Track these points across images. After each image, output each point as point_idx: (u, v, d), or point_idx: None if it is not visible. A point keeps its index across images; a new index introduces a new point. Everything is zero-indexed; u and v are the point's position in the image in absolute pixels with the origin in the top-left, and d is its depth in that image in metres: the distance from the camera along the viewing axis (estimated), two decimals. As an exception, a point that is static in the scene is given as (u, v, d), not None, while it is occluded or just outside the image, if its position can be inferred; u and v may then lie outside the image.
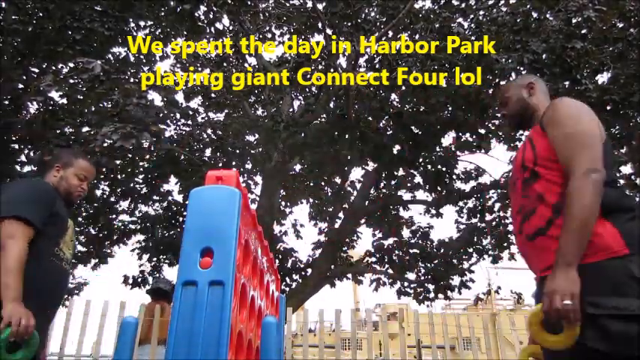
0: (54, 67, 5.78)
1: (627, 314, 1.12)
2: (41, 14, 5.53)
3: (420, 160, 6.90)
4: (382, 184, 8.62)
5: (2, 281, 1.51)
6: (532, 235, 1.38)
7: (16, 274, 1.54)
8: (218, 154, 7.13)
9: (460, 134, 6.76)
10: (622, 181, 6.54)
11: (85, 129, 5.56)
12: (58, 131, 5.45)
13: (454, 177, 7.67)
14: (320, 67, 6.46)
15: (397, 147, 6.31)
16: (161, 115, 5.13)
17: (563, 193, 1.31)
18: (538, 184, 1.39)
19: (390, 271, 8.22)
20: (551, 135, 1.39)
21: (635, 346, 1.10)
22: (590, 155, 1.27)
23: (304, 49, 5.83)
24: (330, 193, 8.67)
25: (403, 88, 5.65)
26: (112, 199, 7.72)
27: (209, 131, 7.15)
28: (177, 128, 7.35)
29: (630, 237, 1.22)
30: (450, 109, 5.97)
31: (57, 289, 1.81)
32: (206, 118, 8.57)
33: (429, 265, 8.11)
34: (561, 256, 1.20)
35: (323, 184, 8.71)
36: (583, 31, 4.85)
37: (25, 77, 5.58)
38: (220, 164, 7.01)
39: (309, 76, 6.36)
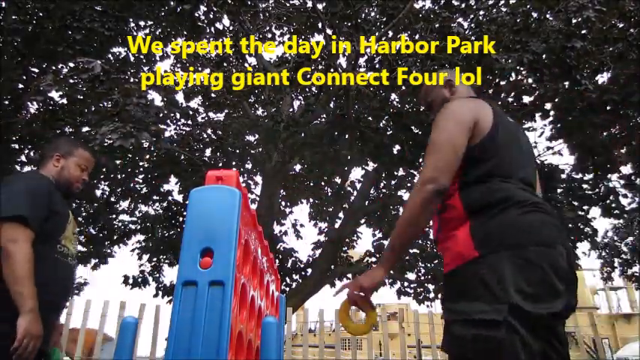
0: (54, 67, 5.78)
1: (467, 319, 1.12)
2: (41, 14, 5.53)
3: (420, 160, 6.90)
4: (382, 184, 8.62)
5: (15, 290, 1.47)
6: (436, 245, 1.46)
7: (28, 281, 1.49)
8: (218, 154, 7.13)
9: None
10: (622, 181, 6.55)
11: (85, 129, 5.56)
12: (58, 131, 5.45)
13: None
14: (320, 67, 6.46)
15: (397, 147, 6.31)
16: (161, 115, 5.13)
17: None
18: None
19: (390, 271, 8.21)
20: None
21: (469, 350, 1.10)
22: (433, 164, 1.25)
23: (304, 49, 5.83)
24: (330, 193, 8.67)
25: (403, 88, 5.66)
26: (112, 199, 7.72)
27: (209, 131, 7.15)
28: (177, 128, 7.36)
29: (482, 238, 1.19)
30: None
31: (65, 285, 1.77)
32: (206, 118, 8.57)
33: (429, 265, 8.11)
34: (380, 257, 1.29)
35: (323, 184, 8.71)
36: (583, 32, 4.85)
37: (25, 77, 5.58)
38: (220, 164, 7.01)
39: (309, 76, 6.36)
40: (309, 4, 6.54)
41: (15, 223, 1.54)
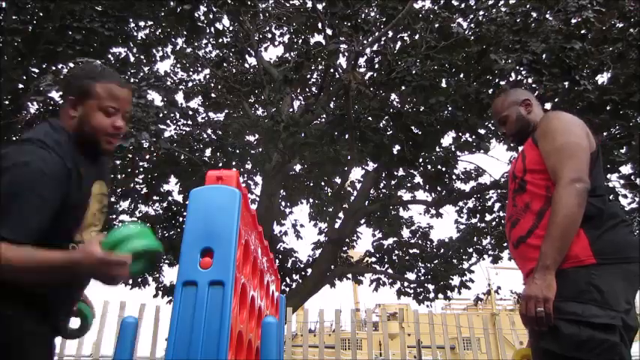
0: (54, 67, 5.78)
1: (581, 320, 1.18)
2: (41, 14, 5.53)
3: (420, 160, 6.90)
4: (382, 184, 8.62)
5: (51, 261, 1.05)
6: (516, 243, 1.45)
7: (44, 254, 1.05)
8: (218, 154, 7.12)
9: (460, 134, 6.76)
10: (622, 181, 6.55)
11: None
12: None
13: (454, 177, 7.67)
14: (320, 67, 6.46)
15: (397, 147, 6.31)
16: (161, 115, 5.13)
17: (547, 202, 1.37)
18: (526, 194, 1.45)
19: (390, 271, 8.22)
20: (541, 147, 1.44)
21: (583, 350, 1.17)
22: (576, 165, 1.32)
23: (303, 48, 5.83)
24: (330, 193, 8.67)
25: (403, 88, 5.66)
26: (112, 199, 7.72)
27: (209, 131, 7.15)
28: (177, 128, 7.36)
29: (601, 247, 1.27)
30: (449, 109, 5.98)
31: (77, 286, 1.34)
32: (206, 118, 8.57)
33: (429, 265, 8.11)
34: (541, 260, 1.26)
35: (323, 184, 8.71)
36: (582, 32, 4.85)
37: (25, 77, 5.58)
38: (220, 164, 7.00)
39: (309, 75, 6.36)
40: (309, 4, 6.54)
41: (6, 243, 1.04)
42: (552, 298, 1.21)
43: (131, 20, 6.50)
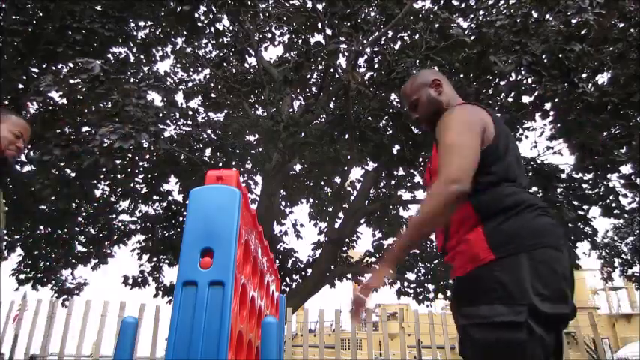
0: (54, 67, 5.78)
1: (487, 322, 1.12)
2: (41, 14, 5.53)
3: (420, 160, 6.90)
4: (382, 184, 8.62)
5: None
6: (443, 254, 1.43)
7: None
8: (218, 154, 7.13)
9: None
10: (622, 181, 6.55)
11: (85, 129, 5.56)
12: (58, 131, 5.45)
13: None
14: (320, 67, 6.46)
15: (397, 147, 6.31)
16: (160, 115, 5.13)
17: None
18: None
19: (392, 269, 8.21)
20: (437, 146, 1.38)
21: (492, 353, 1.11)
22: (458, 165, 1.23)
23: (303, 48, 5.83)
24: (330, 193, 8.67)
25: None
26: (112, 199, 7.72)
27: (209, 131, 7.15)
28: (177, 128, 7.36)
29: (499, 240, 1.19)
30: (449, 109, 5.97)
31: None
32: (206, 118, 8.57)
33: (429, 264, 8.11)
34: (385, 256, 1.27)
35: (323, 184, 8.71)
36: (582, 32, 4.85)
37: (25, 77, 5.58)
38: (220, 164, 7.00)
39: (309, 75, 6.36)
40: (309, 4, 6.54)
41: None
42: (369, 285, 1.29)
43: (131, 20, 6.51)
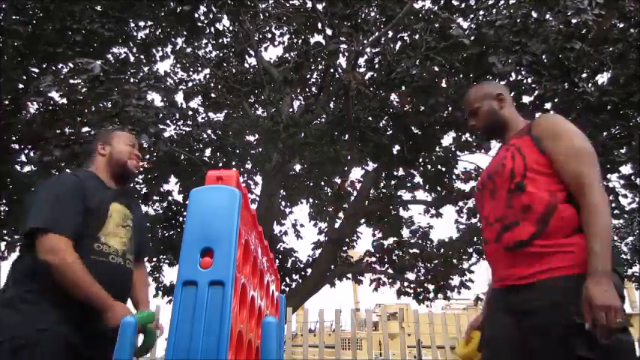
0: (54, 68, 5.78)
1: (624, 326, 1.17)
2: (41, 15, 5.53)
3: (420, 160, 6.90)
4: (382, 184, 8.62)
5: (81, 294, 1.44)
6: (513, 247, 1.39)
7: (86, 283, 1.45)
8: (218, 154, 7.13)
9: (460, 134, 6.76)
10: (622, 181, 6.55)
11: (85, 129, 5.56)
12: (58, 131, 5.45)
13: (454, 177, 7.67)
14: (320, 67, 6.46)
15: (397, 147, 6.31)
16: (160, 115, 5.13)
17: (550, 207, 1.34)
18: (525, 196, 1.39)
19: (390, 271, 8.22)
20: (550, 147, 1.40)
21: (619, 356, 1.17)
22: (598, 174, 1.31)
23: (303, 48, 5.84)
24: (330, 193, 8.67)
25: (403, 88, 5.66)
26: (112, 199, 7.71)
27: (209, 131, 7.15)
28: (177, 128, 7.37)
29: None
30: (449, 109, 5.98)
31: (110, 287, 1.55)
32: (206, 118, 8.57)
33: (429, 265, 8.11)
34: (601, 266, 1.20)
35: (323, 184, 8.71)
36: (582, 32, 4.85)
37: (25, 77, 5.58)
38: (220, 164, 7.00)
39: (309, 75, 6.37)
40: (309, 4, 6.54)
41: (49, 233, 1.46)
42: (619, 305, 1.19)
43: (131, 20, 6.50)
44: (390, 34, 6.49)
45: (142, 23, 7.11)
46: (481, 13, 5.87)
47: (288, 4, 7.50)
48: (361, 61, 6.53)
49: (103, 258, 1.60)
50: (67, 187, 1.58)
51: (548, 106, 5.90)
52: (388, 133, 6.25)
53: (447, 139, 7.70)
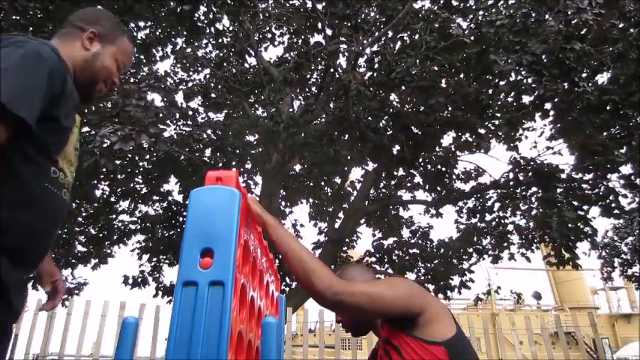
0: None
1: None
2: (41, 15, 5.53)
3: (420, 160, 6.90)
4: (382, 184, 8.63)
5: None
6: None
7: None
8: (218, 154, 7.13)
9: (460, 134, 6.77)
10: (622, 181, 6.56)
11: (85, 129, 5.56)
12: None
13: (454, 177, 7.67)
14: (320, 67, 6.46)
15: (397, 147, 6.31)
16: (160, 115, 5.13)
17: None
18: None
19: (390, 271, 8.22)
20: None
21: None
22: None
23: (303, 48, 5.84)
24: (330, 193, 8.68)
25: (403, 88, 5.67)
26: (112, 199, 7.72)
27: (209, 131, 7.15)
28: (177, 128, 7.37)
29: None
30: (449, 109, 5.98)
31: (49, 231, 1.12)
32: (206, 118, 8.57)
33: (429, 265, 8.11)
34: None
35: (323, 184, 8.71)
36: (582, 32, 4.86)
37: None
38: (220, 164, 7.01)
39: (309, 75, 6.37)
40: (309, 4, 6.55)
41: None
42: None
43: (131, 20, 6.51)
44: (390, 34, 6.50)
45: (142, 23, 7.11)
46: (481, 13, 5.87)
47: (288, 4, 7.51)
48: (361, 61, 6.54)
49: (57, 190, 1.11)
50: (44, 67, 0.99)
51: (548, 106, 5.90)
52: (388, 133, 6.25)
53: (447, 139, 7.70)
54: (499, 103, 6.04)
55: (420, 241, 8.51)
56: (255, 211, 1.08)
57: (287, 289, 7.63)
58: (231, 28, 8.23)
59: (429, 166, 7.40)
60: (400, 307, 1.22)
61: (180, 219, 7.62)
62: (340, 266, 8.03)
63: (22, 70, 0.94)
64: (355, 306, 1.15)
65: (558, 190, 6.80)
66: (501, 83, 5.83)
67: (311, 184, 8.68)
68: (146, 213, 7.98)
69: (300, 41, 7.49)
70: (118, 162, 6.55)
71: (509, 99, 6.13)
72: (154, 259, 7.87)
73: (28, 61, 0.97)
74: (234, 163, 7.23)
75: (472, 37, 4.98)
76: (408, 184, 8.24)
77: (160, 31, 7.64)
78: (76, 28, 1.23)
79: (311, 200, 9.02)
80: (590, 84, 5.17)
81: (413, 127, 6.02)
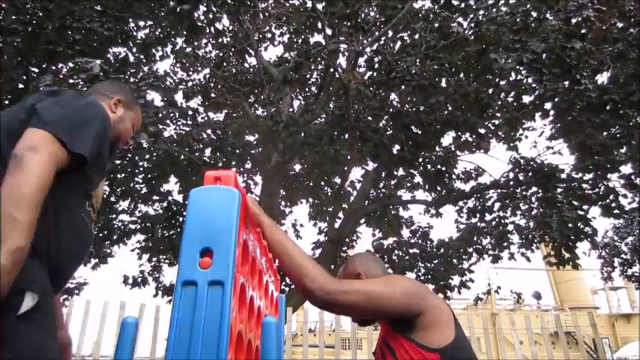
0: (54, 67, 5.78)
1: None
2: (41, 14, 5.53)
3: (420, 159, 6.90)
4: (382, 184, 8.63)
5: (5, 212, 0.88)
6: None
7: (33, 205, 0.92)
8: (218, 154, 7.13)
9: (460, 134, 6.77)
10: (622, 181, 6.55)
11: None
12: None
13: (454, 177, 7.67)
14: (320, 67, 6.46)
15: (397, 147, 6.31)
16: (160, 115, 5.13)
17: None
18: None
19: (390, 271, 8.21)
20: None
21: None
22: None
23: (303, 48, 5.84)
24: (330, 193, 8.67)
25: (403, 87, 5.66)
26: (112, 199, 7.72)
27: (209, 131, 7.15)
28: (177, 128, 7.37)
29: None
30: (449, 108, 5.98)
31: (80, 256, 1.21)
32: (206, 118, 8.57)
33: (429, 265, 8.11)
34: None
35: (323, 184, 8.70)
36: (583, 31, 4.85)
37: (25, 77, 5.58)
38: (220, 164, 7.00)
39: (308, 75, 6.37)
40: (309, 4, 6.54)
41: (46, 132, 1.02)
42: None
43: (131, 20, 6.50)
44: (390, 33, 6.50)
45: (141, 23, 7.11)
46: (481, 12, 5.87)
47: (288, 4, 7.50)
48: (361, 60, 6.53)
49: (89, 222, 1.23)
50: (100, 121, 1.20)
51: (548, 105, 5.90)
52: (388, 132, 6.25)
53: (447, 139, 7.70)
54: (499, 102, 6.04)
55: (420, 241, 8.51)
56: (252, 211, 1.08)
57: (287, 289, 7.63)
58: (230, 28, 8.22)
59: (429, 166, 7.40)
60: (397, 307, 1.21)
61: (180, 219, 7.62)
62: (340, 266, 8.03)
63: (89, 116, 1.18)
64: (348, 305, 1.15)
65: (558, 190, 6.80)
66: (502, 83, 5.83)
67: (311, 184, 8.68)
68: (146, 213, 7.98)
69: (300, 41, 7.49)
70: (117, 162, 6.55)
71: (510, 98, 6.13)
72: (154, 259, 7.87)
73: (91, 107, 1.22)
74: (234, 163, 7.23)
75: (472, 36, 4.98)
76: (408, 184, 8.24)
77: (159, 30, 7.64)
78: (103, 95, 1.46)
79: (311, 200, 9.02)
80: (590, 83, 5.16)
81: (413, 127, 6.02)
